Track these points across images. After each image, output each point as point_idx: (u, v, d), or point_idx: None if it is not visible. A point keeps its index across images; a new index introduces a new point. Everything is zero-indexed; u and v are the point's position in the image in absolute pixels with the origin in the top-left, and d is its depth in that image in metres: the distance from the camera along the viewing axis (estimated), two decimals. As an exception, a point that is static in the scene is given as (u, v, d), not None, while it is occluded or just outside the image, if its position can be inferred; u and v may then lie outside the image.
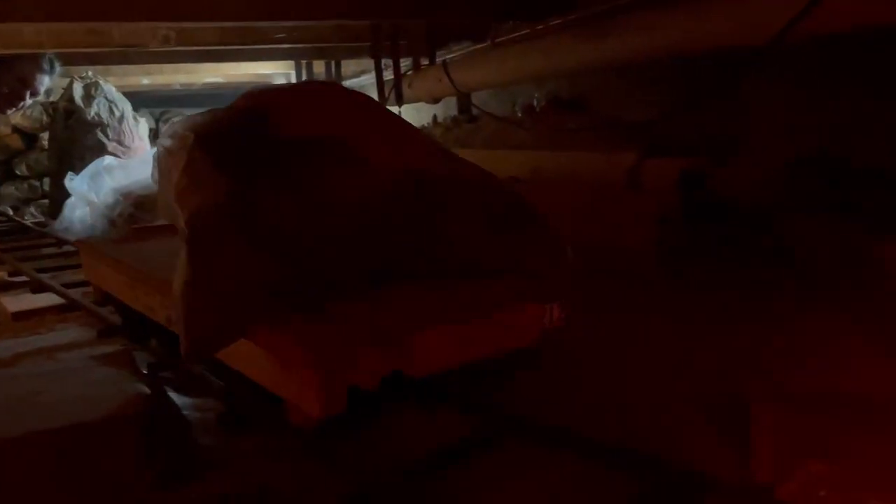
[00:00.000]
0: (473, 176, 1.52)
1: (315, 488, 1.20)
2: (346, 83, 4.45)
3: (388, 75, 3.46)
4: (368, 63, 3.68)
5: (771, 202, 1.34)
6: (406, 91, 3.29)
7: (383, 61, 3.45)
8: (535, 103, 3.10)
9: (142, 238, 2.21)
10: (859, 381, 1.30)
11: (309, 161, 1.42)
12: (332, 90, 1.85)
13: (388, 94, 3.37)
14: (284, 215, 1.34)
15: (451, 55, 3.22)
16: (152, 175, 1.64)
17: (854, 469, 1.14)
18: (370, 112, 1.69)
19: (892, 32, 1.42)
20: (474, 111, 3.37)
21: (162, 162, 1.56)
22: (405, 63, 3.41)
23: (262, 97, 1.62)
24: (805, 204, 1.39)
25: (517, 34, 2.85)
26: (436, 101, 3.32)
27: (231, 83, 5.29)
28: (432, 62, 3.19)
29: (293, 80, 4.85)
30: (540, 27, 2.70)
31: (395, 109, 3.38)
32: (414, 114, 3.91)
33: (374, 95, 3.46)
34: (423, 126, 3.82)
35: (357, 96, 1.73)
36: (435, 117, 3.87)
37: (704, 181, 1.78)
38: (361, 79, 4.35)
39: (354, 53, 3.86)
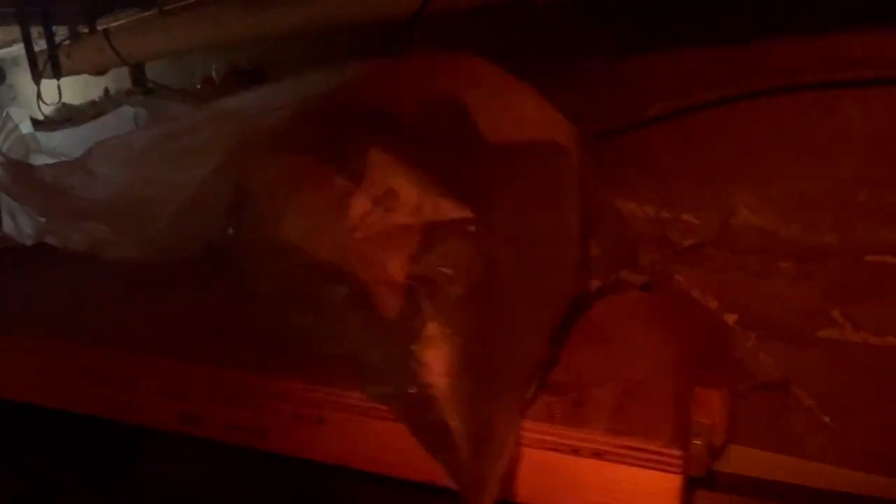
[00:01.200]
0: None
1: None
2: (-5, 54, 3.91)
3: (43, 45, 3.10)
4: (18, 31, 3.26)
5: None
6: (65, 62, 2.97)
7: (35, 29, 3.08)
8: (213, 74, 2.99)
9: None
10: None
11: (529, 171, 1.06)
12: (483, 67, 1.25)
13: (44, 67, 3.02)
14: (535, 250, 1.00)
15: (118, 23, 2.97)
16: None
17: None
18: (532, 91, 1.26)
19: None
20: (150, 84, 3.16)
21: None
22: (62, 32, 3.08)
23: (422, 80, 1.16)
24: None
25: (186, 3, 2.72)
26: (100, 72, 3.06)
27: None
28: (93, 31, 2.91)
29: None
30: (210, -5, 2.60)
31: (52, 82, 3.06)
32: (82, 87, 3.55)
33: (27, 67, 3.08)
34: (95, 101, 3.50)
35: (499, 71, 1.28)
36: (107, 90, 3.56)
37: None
38: (12, 49, 3.84)
39: (-3, 20, 3.38)
